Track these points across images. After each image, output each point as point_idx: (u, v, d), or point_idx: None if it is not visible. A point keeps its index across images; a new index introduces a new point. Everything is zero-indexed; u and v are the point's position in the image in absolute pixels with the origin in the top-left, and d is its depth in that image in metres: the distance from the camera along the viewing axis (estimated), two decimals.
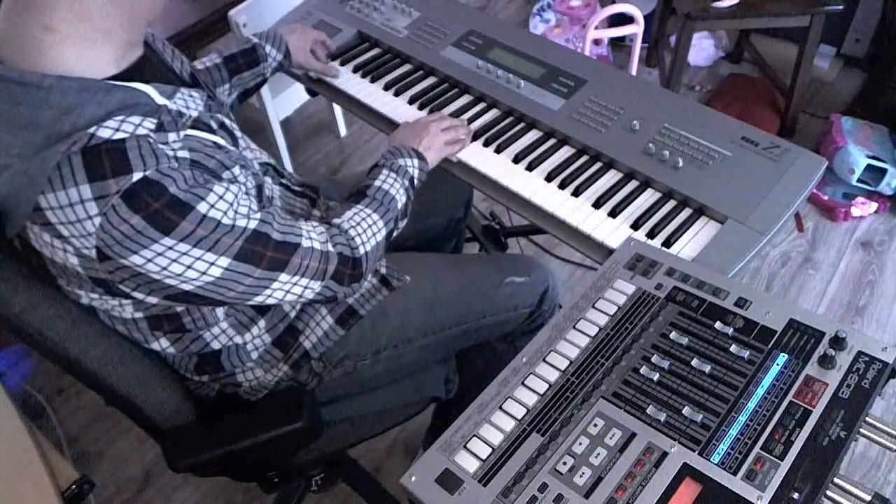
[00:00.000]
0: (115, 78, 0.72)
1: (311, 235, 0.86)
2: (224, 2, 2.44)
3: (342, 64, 1.37)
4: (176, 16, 2.44)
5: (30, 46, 0.68)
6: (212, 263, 0.74)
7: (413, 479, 0.70)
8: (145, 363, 0.90)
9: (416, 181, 1.05)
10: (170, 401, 0.94)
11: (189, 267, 0.72)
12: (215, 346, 0.92)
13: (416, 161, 1.06)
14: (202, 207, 0.71)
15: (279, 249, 0.80)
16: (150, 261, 0.70)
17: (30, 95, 0.66)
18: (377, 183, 1.00)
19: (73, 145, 0.65)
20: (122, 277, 0.72)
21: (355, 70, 1.35)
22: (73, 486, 1.04)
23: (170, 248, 0.70)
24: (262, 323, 0.95)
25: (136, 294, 0.75)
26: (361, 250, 0.91)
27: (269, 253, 0.78)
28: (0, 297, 0.76)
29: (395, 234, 1.01)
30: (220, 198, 0.73)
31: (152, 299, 0.77)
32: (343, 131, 2.47)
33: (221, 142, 0.80)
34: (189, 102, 0.80)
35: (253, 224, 0.77)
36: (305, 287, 0.85)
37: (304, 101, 2.24)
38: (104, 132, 0.67)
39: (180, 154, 0.71)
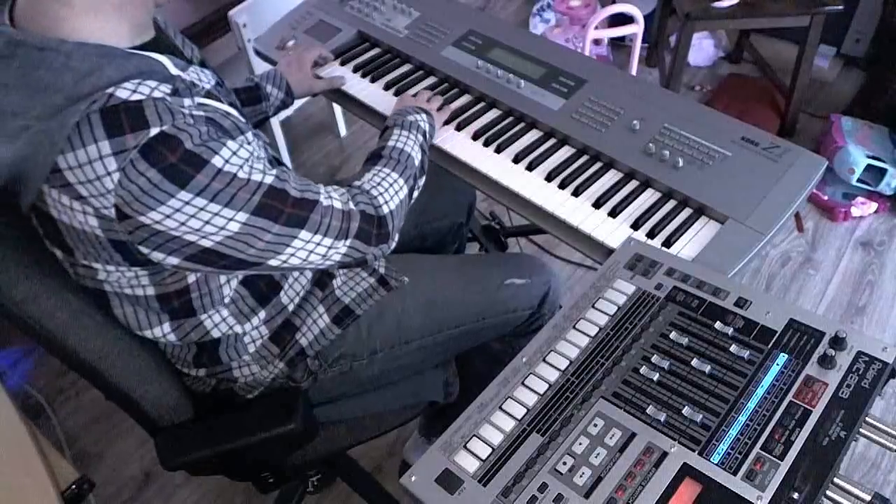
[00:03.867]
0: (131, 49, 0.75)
1: (332, 195, 0.86)
2: (224, 2, 2.44)
3: (342, 64, 1.37)
4: (176, 16, 2.43)
5: (48, 18, 0.70)
6: (230, 219, 0.74)
7: (413, 479, 0.70)
8: (144, 357, 0.91)
9: (427, 135, 1.06)
10: (167, 397, 0.94)
11: (207, 222, 0.73)
12: (215, 334, 0.92)
13: (424, 116, 1.08)
14: (217, 161, 0.72)
15: (297, 205, 0.80)
16: (168, 216, 0.71)
17: (50, 59, 0.68)
18: (391, 143, 1.01)
19: (92, 104, 0.67)
20: (142, 237, 0.72)
21: (355, 70, 1.35)
22: (73, 486, 1.04)
23: (187, 202, 0.70)
24: (262, 314, 0.96)
25: (155, 255, 0.75)
26: (385, 209, 0.91)
27: (287, 209, 0.78)
28: (1, 287, 0.77)
29: (416, 192, 1.01)
30: (234, 153, 0.74)
31: (173, 260, 0.76)
32: (343, 131, 2.47)
33: (234, 112, 0.81)
34: (202, 76, 0.81)
35: (269, 179, 0.77)
36: (329, 247, 0.84)
37: (304, 100, 2.24)
38: (122, 93, 0.68)
39: (195, 113, 0.73)
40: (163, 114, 0.69)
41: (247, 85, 1.23)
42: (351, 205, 0.87)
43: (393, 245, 0.94)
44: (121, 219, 0.70)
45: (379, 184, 0.93)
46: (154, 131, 0.68)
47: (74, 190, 0.69)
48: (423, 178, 1.03)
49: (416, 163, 1.01)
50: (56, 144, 0.67)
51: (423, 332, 1.07)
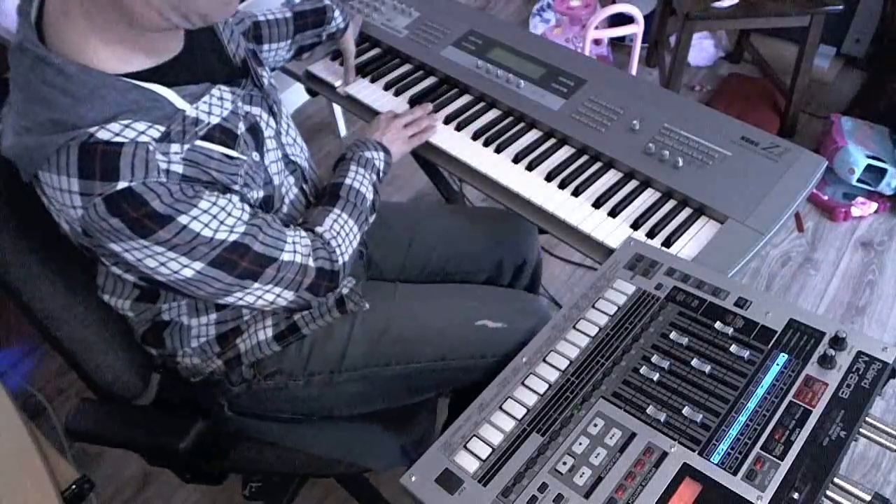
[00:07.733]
0: (138, 76, 0.73)
1: (296, 248, 0.86)
2: None
3: (341, 64, 1.37)
4: None
5: (56, 30, 0.71)
6: (185, 265, 0.77)
7: (413, 479, 0.70)
8: (105, 328, 0.96)
9: (381, 174, 1.07)
10: (121, 371, 0.97)
11: (163, 264, 0.76)
12: (164, 317, 0.94)
13: (381, 154, 1.08)
14: (182, 219, 0.73)
15: (255, 261, 0.81)
16: (126, 251, 0.73)
17: (52, 76, 0.69)
18: (348, 181, 1.01)
19: (72, 140, 0.68)
20: (103, 254, 0.76)
21: (355, 71, 1.35)
22: (73, 486, 1.03)
23: (145, 247, 0.73)
24: (213, 316, 0.95)
25: (113, 269, 0.82)
26: (340, 261, 0.92)
27: (244, 263, 0.80)
28: None
29: (365, 228, 1.01)
30: (205, 211, 0.75)
31: (130, 277, 0.83)
32: (343, 131, 2.47)
33: (233, 153, 0.81)
34: (212, 108, 0.80)
35: (234, 237, 0.78)
36: (278, 295, 0.86)
37: (304, 101, 2.24)
38: (104, 134, 0.69)
39: (173, 168, 0.73)
40: (137, 167, 0.69)
41: (316, 6, 1.22)
42: (310, 261, 0.88)
43: (340, 290, 0.99)
44: (85, 235, 0.73)
45: (338, 234, 0.94)
46: (121, 185, 0.69)
47: (49, 199, 0.73)
48: (373, 217, 1.04)
49: (369, 203, 1.02)
50: (36, 162, 0.69)
51: (368, 363, 1.00)
